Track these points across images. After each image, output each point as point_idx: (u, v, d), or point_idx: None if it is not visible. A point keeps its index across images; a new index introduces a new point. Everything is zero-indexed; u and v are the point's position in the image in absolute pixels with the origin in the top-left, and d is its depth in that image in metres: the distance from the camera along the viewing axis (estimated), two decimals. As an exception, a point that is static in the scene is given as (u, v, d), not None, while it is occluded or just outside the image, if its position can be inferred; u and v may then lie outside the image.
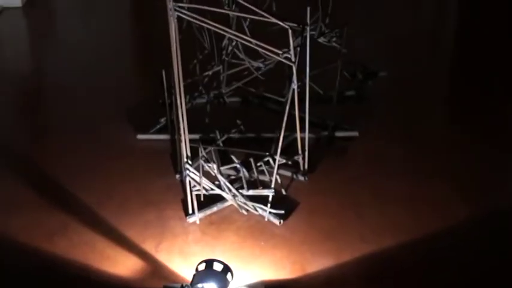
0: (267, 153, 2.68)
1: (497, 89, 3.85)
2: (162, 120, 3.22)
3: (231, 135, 3.11)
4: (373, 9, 5.13)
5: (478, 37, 4.58)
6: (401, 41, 4.53)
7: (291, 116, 2.56)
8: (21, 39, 4.81)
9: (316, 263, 2.33)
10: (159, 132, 3.21)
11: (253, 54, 2.93)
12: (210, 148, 2.79)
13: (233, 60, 3.14)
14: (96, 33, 4.73)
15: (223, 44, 3.08)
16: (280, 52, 2.37)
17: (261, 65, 3.03)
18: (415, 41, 4.59)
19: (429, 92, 3.80)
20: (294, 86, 2.47)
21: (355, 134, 3.22)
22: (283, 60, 2.40)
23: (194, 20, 2.42)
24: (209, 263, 2.08)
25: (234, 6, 2.84)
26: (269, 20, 2.36)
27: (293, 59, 2.37)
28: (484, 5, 5.18)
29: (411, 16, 5.20)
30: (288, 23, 2.34)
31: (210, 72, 3.19)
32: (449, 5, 5.57)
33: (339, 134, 3.22)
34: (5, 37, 4.82)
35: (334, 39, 3.07)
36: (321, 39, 3.03)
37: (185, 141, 2.54)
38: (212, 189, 2.56)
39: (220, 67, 3.16)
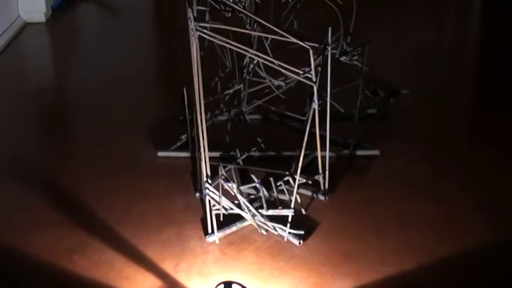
0: (287, 173, 2.67)
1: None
2: (183, 137, 3.22)
3: (251, 153, 3.10)
4: (395, 26, 5.12)
5: (502, 54, 4.54)
6: (424, 57, 4.51)
7: (312, 134, 2.55)
8: (44, 54, 4.86)
9: (335, 285, 2.31)
10: (179, 149, 3.21)
11: (274, 72, 2.92)
12: (230, 167, 2.78)
13: (254, 78, 3.14)
14: (117, 50, 4.75)
15: (245, 62, 3.08)
16: (301, 72, 2.35)
17: (281, 83, 3.02)
18: (437, 58, 4.56)
19: (452, 110, 3.76)
20: (315, 105, 2.46)
21: (377, 152, 3.19)
22: (304, 81, 2.39)
23: (215, 40, 2.41)
24: (228, 285, 2.07)
25: (255, 25, 2.84)
26: (290, 40, 2.35)
27: (314, 79, 2.36)
28: (508, 19, 5.14)
29: (433, 32, 5.17)
30: (308, 43, 2.33)
31: (231, 91, 3.19)
32: (472, 21, 5.55)
33: (360, 152, 3.19)
34: (28, 52, 4.88)
35: (355, 57, 3.06)
36: (343, 58, 3.01)
37: (205, 160, 2.54)
38: (232, 209, 2.55)
39: (241, 85, 3.16)
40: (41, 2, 5.12)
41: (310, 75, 2.36)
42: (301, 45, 2.35)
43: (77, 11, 5.66)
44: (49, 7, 5.25)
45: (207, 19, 2.75)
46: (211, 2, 2.61)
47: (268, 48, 2.90)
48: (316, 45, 2.37)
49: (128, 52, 4.69)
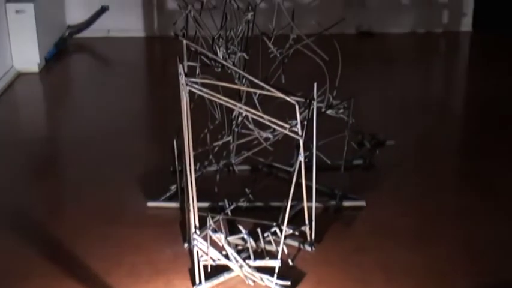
0: (274, 224, 2.72)
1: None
2: (173, 188, 3.28)
3: (240, 204, 3.15)
4: (381, 77, 5.23)
5: (488, 104, 4.63)
6: (410, 108, 4.61)
7: (299, 185, 2.61)
8: (36, 105, 4.92)
9: (321, 336, 2.34)
10: (169, 200, 3.26)
11: (262, 124, 3.00)
12: (218, 217, 2.83)
13: (243, 130, 3.22)
14: (109, 100, 4.83)
15: (234, 115, 3.16)
16: (287, 126, 2.43)
17: (269, 135, 3.09)
18: (423, 108, 4.65)
19: (438, 162, 3.83)
20: (301, 158, 2.53)
21: (363, 203, 3.25)
22: (291, 134, 2.46)
23: (205, 95, 2.49)
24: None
25: (244, 79, 2.92)
26: (276, 94, 2.43)
27: (300, 133, 2.43)
28: (496, 72, 5.26)
29: (419, 83, 5.27)
30: (294, 98, 2.41)
31: (220, 142, 3.26)
32: (458, 71, 5.68)
33: (346, 203, 3.25)
34: (21, 102, 4.95)
35: (341, 111, 3.14)
36: (329, 112, 3.10)
37: (194, 211, 2.59)
38: (219, 260, 2.59)
39: (230, 137, 3.24)
40: (34, 53, 5.21)
41: (296, 129, 2.43)
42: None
43: (69, 61, 5.77)
44: (42, 58, 5.34)
45: (197, 73, 2.84)
46: (202, 57, 2.70)
47: (256, 101, 2.99)
48: (302, 100, 2.45)
49: (119, 103, 4.77)
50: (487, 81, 5.11)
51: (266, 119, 2.47)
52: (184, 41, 2.47)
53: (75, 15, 6.13)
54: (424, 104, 4.75)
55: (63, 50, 5.82)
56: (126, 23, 6.20)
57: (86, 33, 6.13)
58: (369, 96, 4.63)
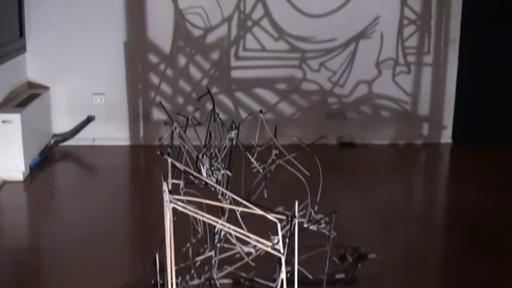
0: None
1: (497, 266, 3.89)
2: (154, 302, 3.25)
3: (221, 319, 3.13)
4: (363, 191, 5.29)
5: (470, 219, 4.69)
6: (391, 221, 4.65)
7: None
8: (20, 213, 4.92)
9: None
10: (150, 314, 3.23)
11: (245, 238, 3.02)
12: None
13: (225, 245, 3.23)
14: (93, 209, 4.84)
15: (216, 229, 3.19)
16: (269, 244, 2.45)
17: (252, 250, 3.11)
18: (405, 221, 4.69)
19: (421, 276, 3.84)
20: (283, 274, 2.54)
21: (345, 319, 3.24)
22: (273, 252, 2.48)
23: (189, 212, 2.53)
24: None
25: (227, 195, 2.97)
26: (257, 212, 2.47)
27: (282, 251, 2.45)
28: (477, 184, 5.36)
29: (400, 196, 5.35)
30: (275, 216, 2.45)
31: (202, 257, 3.26)
32: (439, 185, 5.77)
33: (328, 319, 3.23)
34: (4, 210, 4.94)
35: (322, 225, 3.18)
36: (311, 227, 3.13)
37: (175, 329, 2.57)
38: None
39: (213, 252, 3.25)
40: (19, 162, 5.26)
41: (278, 247, 2.46)
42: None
43: (54, 169, 5.81)
44: (27, 166, 5.39)
45: (181, 187, 2.89)
46: (188, 175, 2.75)
47: (239, 216, 3.02)
48: (283, 217, 2.49)
49: (103, 212, 4.78)
50: (468, 194, 5.18)
51: (248, 235, 2.50)
52: (169, 159, 2.53)
53: (61, 124, 6.24)
54: (405, 216, 4.80)
55: (49, 158, 5.88)
56: (111, 132, 6.31)
57: (71, 142, 6.22)
58: (350, 208, 4.68)
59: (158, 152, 2.56)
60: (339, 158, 6.10)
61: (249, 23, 6.19)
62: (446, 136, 6.54)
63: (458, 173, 5.85)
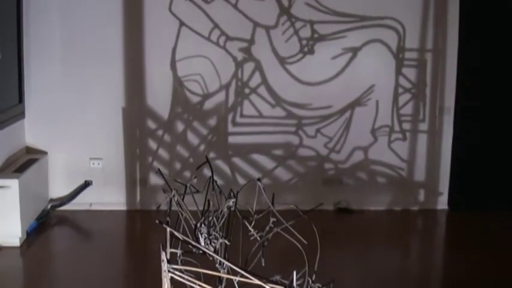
0: None
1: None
2: None
3: None
4: (360, 255, 5.29)
5: (468, 284, 4.68)
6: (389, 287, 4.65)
7: None
8: (17, 279, 4.88)
9: None
10: None
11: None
12: None
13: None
14: (89, 275, 4.82)
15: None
16: (267, 314, 2.45)
17: (249, 318, 3.09)
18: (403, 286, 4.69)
19: None
20: None
21: None
22: (270, 322, 2.47)
23: (187, 282, 2.53)
24: None
25: (224, 264, 2.97)
26: (254, 281, 2.47)
27: (280, 321, 2.45)
28: (473, 251, 5.36)
29: (398, 261, 5.34)
30: (273, 286, 2.45)
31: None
32: (436, 251, 5.76)
33: None
34: (0, 277, 4.90)
35: (320, 295, 3.16)
36: (308, 296, 3.12)
37: None
38: None
39: (210, 320, 3.22)
40: (16, 227, 5.25)
41: (276, 317, 2.45)
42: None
43: (51, 234, 5.80)
44: (24, 231, 5.38)
45: (178, 255, 2.89)
46: (187, 244, 2.76)
47: (236, 285, 3.01)
48: (281, 287, 2.49)
49: (99, 278, 4.76)
50: (465, 261, 5.18)
51: (246, 306, 2.50)
52: (168, 229, 2.54)
53: (59, 189, 6.27)
54: (402, 282, 4.78)
55: (45, 222, 5.87)
56: (108, 196, 6.32)
57: (68, 207, 6.22)
58: (347, 276, 4.67)
59: (157, 221, 2.58)
60: (335, 224, 6.11)
61: (247, 90, 6.29)
62: (442, 202, 6.57)
63: (455, 240, 5.86)
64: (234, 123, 6.35)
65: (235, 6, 6.13)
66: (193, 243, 2.63)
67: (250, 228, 3.18)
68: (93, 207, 6.33)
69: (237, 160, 6.40)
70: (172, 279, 2.58)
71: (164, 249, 2.54)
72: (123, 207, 6.38)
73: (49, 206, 6.14)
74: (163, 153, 6.34)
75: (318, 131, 6.41)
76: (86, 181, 6.26)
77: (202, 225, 2.90)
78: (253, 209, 3.28)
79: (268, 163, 6.43)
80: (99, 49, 6.10)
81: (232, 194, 3.08)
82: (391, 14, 6.26)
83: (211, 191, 3.12)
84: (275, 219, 3.27)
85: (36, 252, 5.36)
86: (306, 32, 6.23)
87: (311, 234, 3.17)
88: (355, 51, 6.30)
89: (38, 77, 6.08)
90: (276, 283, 2.50)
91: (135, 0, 6.07)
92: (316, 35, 6.24)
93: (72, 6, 6.02)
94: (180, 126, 6.32)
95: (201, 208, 3.16)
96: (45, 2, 5.98)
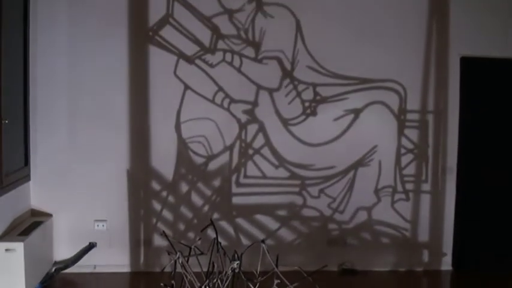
0: None
1: None
2: None
3: None
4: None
5: None
6: None
7: None
8: None
9: None
10: None
11: None
12: None
13: None
14: None
15: None
16: None
17: None
18: None
19: None
20: None
21: None
22: None
23: None
24: None
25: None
26: None
27: None
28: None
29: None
30: None
31: None
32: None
33: None
34: None
35: None
36: None
37: None
38: None
39: None
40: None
41: None
42: None
43: (54, 297, 5.78)
44: (28, 294, 5.37)
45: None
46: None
47: None
48: None
49: None
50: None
51: None
52: (173, 291, 2.56)
53: (63, 251, 6.26)
54: None
55: (49, 286, 5.85)
56: (112, 258, 6.31)
57: (72, 269, 6.21)
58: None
59: (162, 284, 2.59)
60: (340, 286, 6.07)
61: (250, 151, 6.35)
62: (446, 263, 6.55)
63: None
64: (238, 184, 6.39)
65: (239, 69, 6.25)
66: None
67: (254, 290, 3.19)
68: (98, 270, 6.31)
69: (241, 221, 6.41)
70: None
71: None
72: (127, 269, 6.36)
73: (53, 269, 6.13)
74: (167, 214, 6.36)
75: (321, 191, 6.44)
76: (90, 243, 6.27)
77: (207, 287, 2.92)
78: (258, 271, 3.30)
79: (272, 223, 6.44)
80: (104, 112, 6.18)
81: (236, 256, 3.10)
82: (392, 76, 6.37)
83: (215, 253, 3.14)
84: (279, 281, 3.28)
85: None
86: (308, 94, 6.34)
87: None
88: (357, 112, 6.38)
89: (44, 140, 6.15)
90: None
91: (141, 64, 6.20)
92: (318, 97, 6.35)
93: (78, 70, 6.13)
94: (184, 187, 6.35)
95: (205, 270, 3.17)
96: (52, 66, 6.10)
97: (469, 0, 6.44)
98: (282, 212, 6.45)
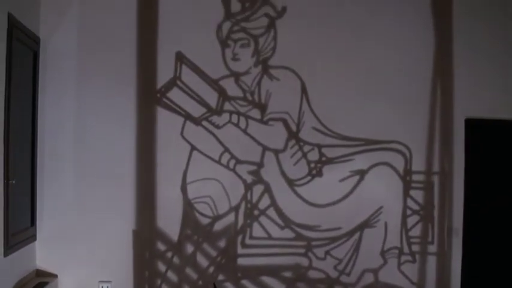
0: None
1: None
2: None
3: None
4: None
5: None
6: None
7: None
8: None
9: None
10: None
11: None
12: None
13: None
14: None
15: None
16: None
17: None
18: None
19: None
20: None
21: None
22: None
23: None
24: None
25: None
26: None
27: None
28: None
29: None
30: None
31: None
32: None
33: None
34: None
35: None
36: None
37: None
38: None
39: None
40: None
41: None
42: None
43: None
44: None
45: None
46: None
47: None
48: None
49: None
50: None
51: None
52: None
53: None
54: None
55: None
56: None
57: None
58: None
59: None
60: None
61: (256, 212, 6.35)
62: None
63: None
64: (243, 245, 6.37)
65: (244, 131, 6.31)
66: None
67: None
68: (101, 331, 6.25)
69: (246, 283, 6.36)
70: None
71: None
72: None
73: (56, 330, 6.06)
74: (172, 275, 6.32)
75: (327, 252, 6.41)
76: (95, 304, 6.22)
77: None
78: None
79: (277, 285, 6.39)
80: (111, 173, 6.21)
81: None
82: (397, 137, 6.42)
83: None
84: None
85: None
86: (314, 155, 6.37)
87: None
88: (362, 173, 6.40)
89: (50, 200, 6.16)
90: None
91: (149, 124, 6.25)
92: (324, 158, 6.38)
93: (86, 128, 6.19)
94: (189, 248, 6.33)
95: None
96: (60, 124, 6.16)
97: (474, 61, 6.52)
98: (287, 274, 6.41)
